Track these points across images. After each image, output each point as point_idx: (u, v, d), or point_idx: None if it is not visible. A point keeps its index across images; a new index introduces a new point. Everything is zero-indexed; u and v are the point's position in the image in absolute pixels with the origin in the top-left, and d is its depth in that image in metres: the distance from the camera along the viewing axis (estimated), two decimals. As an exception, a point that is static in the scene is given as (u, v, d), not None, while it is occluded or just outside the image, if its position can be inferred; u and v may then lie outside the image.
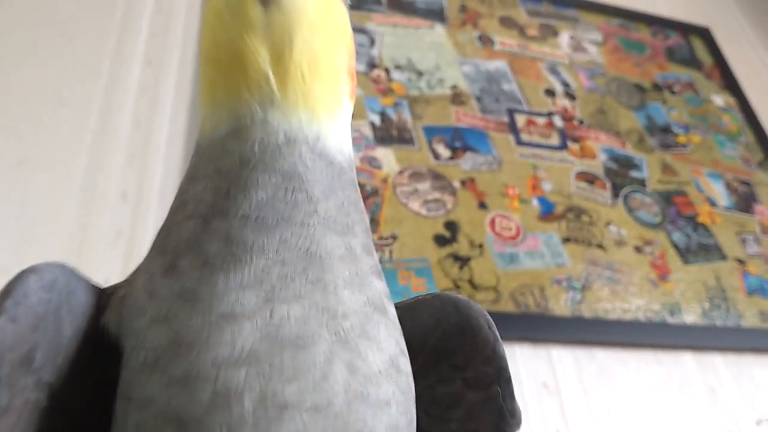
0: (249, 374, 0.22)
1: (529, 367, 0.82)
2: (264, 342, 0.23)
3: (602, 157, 1.08)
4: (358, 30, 1.05)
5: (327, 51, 0.27)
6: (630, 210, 1.03)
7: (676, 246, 1.02)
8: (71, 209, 0.75)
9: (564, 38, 1.25)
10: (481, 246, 0.89)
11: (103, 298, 0.28)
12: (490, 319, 0.31)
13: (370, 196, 0.88)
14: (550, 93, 1.14)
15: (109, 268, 0.72)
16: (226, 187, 0.25)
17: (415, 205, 0.89)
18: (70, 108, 0.82)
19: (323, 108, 0.27)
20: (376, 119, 0.96)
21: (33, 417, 0.24)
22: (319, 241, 0.25)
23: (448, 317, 0.32)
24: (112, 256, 0.73)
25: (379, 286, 0.27)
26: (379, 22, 1.08)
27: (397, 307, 0.30)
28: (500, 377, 0.31)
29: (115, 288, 0.28)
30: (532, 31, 1.23)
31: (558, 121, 1.10)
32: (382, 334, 0.26)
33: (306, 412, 0.23)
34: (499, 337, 0.31)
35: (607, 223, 0.99)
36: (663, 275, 0.97)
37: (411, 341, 0.29)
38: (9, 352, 0.22)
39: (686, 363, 0.91)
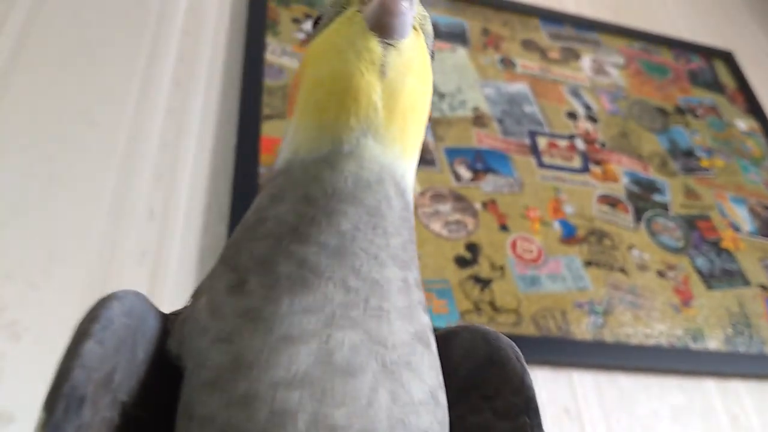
0: (303, 397, 0.24)
1: (550, 391, 0.82)
2: (318, 366, 0.24)
3: (624, 180, 1.08)
4: (381, 53, 1.07)
5: (422, 98, 0.29)
6: (652, 234, 1.02)
7: (699, 271, 1.01)
8: (99, 227, 0.76)
9: (586, 61, 1.26)
10: (502, 268, 0.89)
11: (167, 322, 0.29)
12: (519, 351, 0.32)
13: (391, 217, 0.88)
14: (572, 116, 1.14)
15: (135, 286, 0.73)
16: (312, 214, 0.27)
17: (436, 226, 0.90)
18: (99, 128, 0.84)
19: (411, 148, 0.29)
20: (399, 141, 0.96)
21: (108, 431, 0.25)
22: (384, 273, 0.27)
23: (477, 349, 0.32)
24: (139, 274, 0.75)
25: (425, 319, 0.29)
26: (402, 45, 1.10)
27: None
28: (528, 408, 0.31)
29: (177, 312, 0.30)
30: (554, 54, 1.24)
31: (580, 144, 1.10)
32: (424, 367, 0.27)
33: None
34: (527, 368, 0.32)
35: (630, 247, 0.99)
36: (686, 300, 0.96)
37: (443, 372, 0.30)
38: (95, 372, 0.24)
39: (709, 390, 0.90)
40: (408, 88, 0.28)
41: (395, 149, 0.28)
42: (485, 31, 1.21)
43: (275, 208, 0.28)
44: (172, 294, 0.74)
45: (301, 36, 1.03)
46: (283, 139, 0.31)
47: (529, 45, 1.23)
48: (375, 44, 0.27)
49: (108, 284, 0.73)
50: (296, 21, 1.05)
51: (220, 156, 0.87)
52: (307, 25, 1.05)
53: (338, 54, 0.28)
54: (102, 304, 0.26)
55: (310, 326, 0.25)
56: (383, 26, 0.27)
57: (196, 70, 0.95)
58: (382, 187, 0.28)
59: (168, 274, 0.76)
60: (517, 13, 1.27)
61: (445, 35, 1.16)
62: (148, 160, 0.84)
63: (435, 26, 1.19)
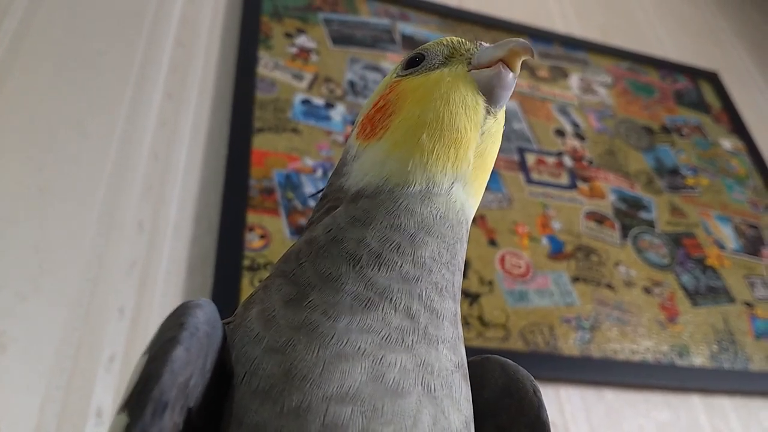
0: (354, 412, 0.25)
1: (536, 406, 0.82)
2: (369, 384, 0.25)
3: (611, 197, 1.09)
4: (373, 68, 1.08)
5: (493, 161, 0.33)
6: (639, 251, 1.04)
7: (684, 288, 1.02)
8: (88, 238, 0.76)
9: (574, 80, 1.27)
10: (490, 283, 0.89)
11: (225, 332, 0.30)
12: (536, 385, 0.33)
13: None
14: (560, 133, 1.15)
15: (124, 297, 0.73)
16: (398, 242, 0.29)
17: (425, 241, 0.90)
18: (90, 139, 0.84)
19: (479, 197, 0.32)
20: (389, 156, 0.97)
21: None
22: (443, 304, 0.29)
23: (495, 379, 0.33)
24: (127, 285, 0.74)
25: (463, 351, 0.30)
26: (394, 61, 1.11)
27: None
28: None
29: (226, 322, 0.30)
30: (543, 73, 1.25)
31: (568, 161, 1.11)
32: (462, 397, 0.28)
33: None
34: (544, 403, 0.33)
35: (616, 264, 1.00)
36: (672, 317, 0.97)
37: None
38: (180, 377, 0.25)
39: (694, 405, 0.91)
40: (493, 150, 0.32)
41: (471, 199, 0.31)
42: (475, 49, 1.22)
43: (357, 231, 0.29)
44: (160, 305, 0.74)
45: (293, 50, 1.04)
46: (354, 159, 0.32)
47: (518, 63, 1.24)
48: (482, 108, 0.31)
49: (96, 296, 0.72)
50: (289, 35, 1.06)
51: (210, 168, 0.87)
52: (300, 40, 1.06)
53: (448, 105, 0.30)
54: (187, 311, 0.27)
55: (365, 345, 0.26)
56: (494, 95, 0.31)
57: (188, 82, 0.95)
58: (460, 228, 0.30)
59: (157, 285, 0.75)
60: (507, 32, 1.29)
61: (436, 52, 1.17)
62: (139, 171, 0.84)
63: (425, 43, 1.19)
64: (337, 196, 0.32)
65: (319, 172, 0.90)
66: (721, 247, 1.11)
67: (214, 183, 0.86)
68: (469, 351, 0.31)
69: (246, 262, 0.77)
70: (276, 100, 0.96)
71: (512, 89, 0.31)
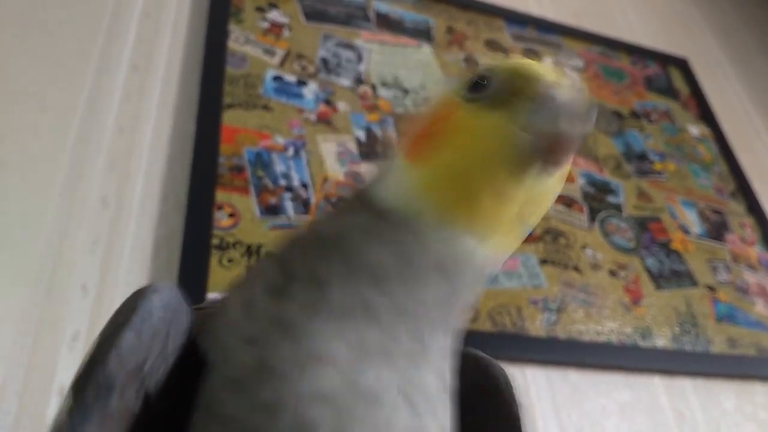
0: (325, 414, 0.24)
1: (503, 386, 0.83)
2: (343, 389, 0.25)
3: (580, 181, 1.10)
4: (346, 45, 1.07)
5: (538, 221, 0.30)
6: (606, 234, 1.05)
7: (649, 271, 1.04)
8: (50, 214, 0.74)
9: (546, 63, 1.27)
10: (459, 265, 0.89)
11: (194, 316, 0.29)
12: (510, 380, 0.33)
13: (351, 211, 0.88)
14: (532, 116, 1.16)
15: (87, 274, 0.72)
16: (405, 273, 0.27)
17: (396, 221, 0.90)
18: (52, 112, 0.81)
19: (511, 250, 0.30)
20: (362, 135, 0.96)
21: (127, 422, 0.26)
22: (434, 337, 0.28)
23: (468, 373, 0.33)
24: (90, 263, 0.73)
25: (452, 382, 0.30)
26: (367, 39, 1.10)
27: None
28: None
29: (203, 307, 0.30)
30: (516, 55, 1.25)
31: (539, 144, 1.12)
32: (440, 409, 0.28)
33: None
34: (517, 398, 0.33)
35: (583, 247, 1.01)
36: (636, 299, 0.99)
37: None
38: (129, 362, 0.25)
39: (656, 387, 0.93)
40: (535, 218, 0.29)
41: (500, 255, 0.29)
42: (450, 30, 1.22)
43: (364, 241, 0.28)
44: (125, 283, 0.72)
45: (265, 25, 1.02)
46: (394, 173, 0.30)
47: (492, 45, 1.24)
48: (533, 173, 0.27)
49: (57, 273, 0.71)
50: (260, 9, 1.04)
51: (178, 144, 0.85)
52: (272, 15, 1.04)
53: (493, 166, 0.27)
54: (142, 294, 0.27)
55: (342, 351, 0.25)
56: (551, 161, 0.27)
57: (156, 55, 0.92)
58: (475, 282, 0.29)
59: (120, 264, 0.74)
60: (482, 13, 1.28)
61: (411, 31, 1.16)
62: (103, 146, 0.81)
63: (401, 23, 1.18)
64: (364, 199, 0.30)
65: (291, 151, 0.89)
66: (686, 231, 1.13)
67: (182, 159, 0.84)
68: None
69: (214, 241, 0.76)
70: (247, 75, 0.94)
71: (571, 153, 0.27)
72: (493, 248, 0.28)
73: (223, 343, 0.27)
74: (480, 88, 0.29)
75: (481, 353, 0.34)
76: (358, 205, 0.30)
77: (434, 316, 0.28)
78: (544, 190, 0.28)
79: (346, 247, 0.28)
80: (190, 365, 0.27)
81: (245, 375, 0.25)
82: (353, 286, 0.27)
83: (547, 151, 0.26)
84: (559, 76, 0.28)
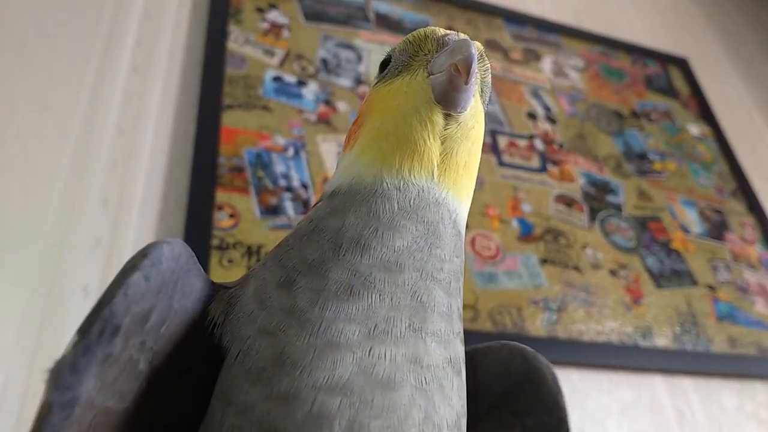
0: (342, 403, 0.24)
1: (504, 386, 0.83)
2: (360, 376, 0.25)
3: (581, 181, 1.10)
4: (345, 46, 1.07)
5: (474, 158, 0.32)
6: (606, 234, 1.05)
7: (649, 270, 1.04)
8: (51, 215, 0.74)
9: (546, 63, 1.27)
10: (460, 265, 0.89)
11: (212, 289, 0.30)
12: (555, 372, 0.33)
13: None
14: (532, 116, 1.16)
15: (88, 276, 0.72)
16: (375, 227, 0.28)
17: (396, 222, 0.90)
18: (53, 113, 0.81)
19: (463, 194, 0.32)
20: (361, 135, 0.96)
21: (131, 376, 0.26)
22: (432, 295, 0.28)
23: (514, 366, 0.34)
24: (91, 263, 0.73)
25: (460, 349, 0.30)
26: (367, 39, 1.10)
27: (467, 352, 0.31)
28: (560, 428, 0.33)
29: (224, 285, 0.30)
30: (516, 55, 1.25)
31: (539, 144, 1.12)
32: (454, 393, 0.28)
33: None
34: (562, 390, 0.33)
35: (584, 246, 1.01)
36: (636, 299, 0.99)
37: (478, 386, 0.32)
38: (135, 305, 0.25)
39: (657, 386, 0.93)
40: (461, 153, 0.31)
41: (449, 192, 0.31)
42: (449, 29, 1.21)
43: (335, 220, 0.29)
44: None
45: (264, 25, 1.02)
46: (337, 169, 0.33)
47: (491, 44, 1.24)
48: (439, 116, 0.30)
49: (59, 274, 0.71)
50: (260, 10, 1.04)
51: (178, 145, 0.85)
52: (272, 15, 1.04)
53: (404, 117, 0.30)
54: (153, 245, 0.27)
55: (355, 336, 0.26)
56: (448, 101, 0.30)
57: (156, 56, 0.93)
58: (438, 209, 0.30)
59: (121, 263, 0.74)
60: (482, 13, 1.29)
61: (410, 31, 1.16)
62: (104, 147, 0.82)
63: (401, 23, 1.18)
64: (322, 196, 0.32)
65: (291, 151, 0.89)
66: (686, 231, 1.13)
67: (182, 160, 0.84)
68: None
69: (215, 242, 0.76)
70: (246, 76, 0.94)
71: (470, 92, 0.30)
72: (445, 186, 0.30)
73: (242, 333, 0.27)
74: (386, 67, 0.34)
75: (525, 347, 0.34)
76: (319, 202, 0.32)
77: (424, 266, 0.28)
78: (456, 133, 0.30)
79: (321, 230, 0.29)
80: (198, 342, 0.27)
81: (265, 366, 0.25)
82: (344, 262, 0.27)
83: (448, 86, 0.29)
84: (445, 31, 0.33)
